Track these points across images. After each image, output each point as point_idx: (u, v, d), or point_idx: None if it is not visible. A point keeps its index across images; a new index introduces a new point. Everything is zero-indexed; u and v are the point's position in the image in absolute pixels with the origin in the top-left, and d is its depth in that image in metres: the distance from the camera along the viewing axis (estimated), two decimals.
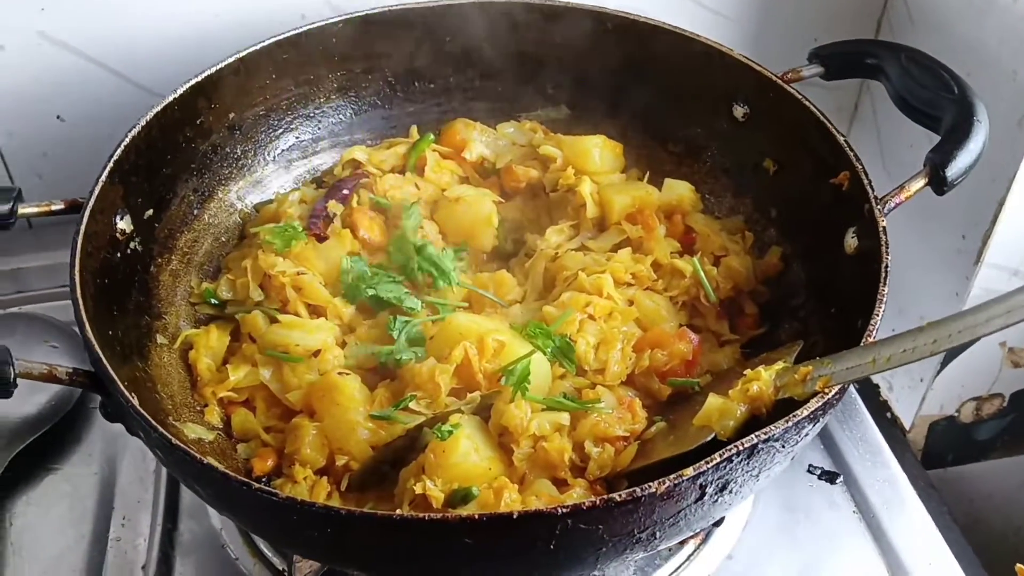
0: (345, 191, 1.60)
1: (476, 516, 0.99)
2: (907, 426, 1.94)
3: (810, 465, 1.54)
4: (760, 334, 1.49)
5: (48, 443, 1.56)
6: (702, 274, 1.48)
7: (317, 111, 1.71)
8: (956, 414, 1.96)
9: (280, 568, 1.39)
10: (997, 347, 1.86)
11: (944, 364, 1.85)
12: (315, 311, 1.46)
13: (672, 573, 1.39)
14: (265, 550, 1.42)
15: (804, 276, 1.48)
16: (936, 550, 1.44)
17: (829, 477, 1.52)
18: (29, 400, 1.57)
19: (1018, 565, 1.59)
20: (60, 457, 1.56)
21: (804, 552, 1.43)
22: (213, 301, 1.51)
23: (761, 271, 1.52)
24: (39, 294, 1.83)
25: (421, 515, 0.99)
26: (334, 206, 1.57)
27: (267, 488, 1.02)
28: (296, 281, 1.46)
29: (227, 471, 1.04)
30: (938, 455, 2.00)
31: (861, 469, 1.53)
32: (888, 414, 1.95)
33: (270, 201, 1.66)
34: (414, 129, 1.72)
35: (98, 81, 1.77)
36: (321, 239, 1.53)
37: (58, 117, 1.80)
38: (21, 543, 1.45)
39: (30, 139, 1.82)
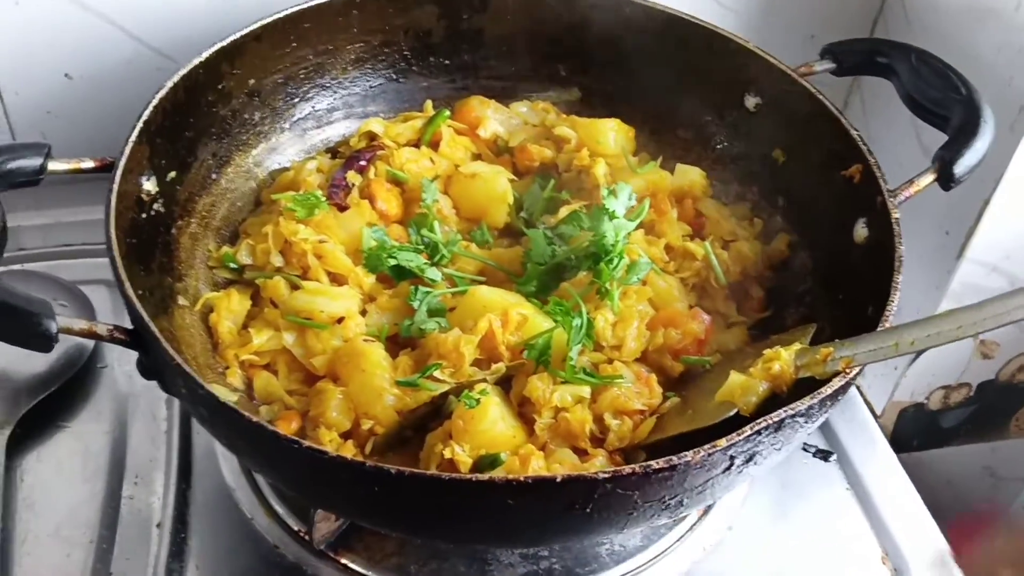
0: (363, 162, 1.62)
1: (522, 478, 1.03)
2: (878, 412, 2.02)
3: (805, 444, 1.60)
4: (766, 317, 1.54)
5: (58, 401, 1.55)
6: (713, 258, 1.53)
7: (333, 81, 1.72)
8: (925, 401, 2.05)
9: (295, 528, 1.42)
10: (969, 339, 1.94)
11: (919, 354, 1.93)
12: (335, 279, 1.48)
13: (676, 542, 1.45)
14: (279, 509, 1.44)
15: (811, 263, 1.54)
16: (926, 529, 1.52)
17: (823, 455, 1.59)
18: (39, 358, 1.55)
19: None
20: (70, 415, 1.56)
21: (800, 526, 1.50)
22: (232, 265, 1.52)
23: (768, 257, 1.58)
24: (35, 253, 1.82)
25: (469, 476, 1.03)
26: (353, 176, 1.59)
27: (317, 447, 1.05)
28: (318, 249, 1.47)
29: (277, 430, 1.06)
30: (905, 440, 2.08)
31: (854, 448, 1.60)
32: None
33: (287, 169, 1.67)
34: (429, 104, 1.74)
35: (110, 41, 1.75)
36: (342, 208, 1.55)
37: (66, 75, 1.79)
38: (33, 498, 1.45)
39: (36, 96, 1.80)
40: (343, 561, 1.39)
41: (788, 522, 1.50)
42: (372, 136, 1.67)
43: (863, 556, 1.47)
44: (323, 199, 1.52)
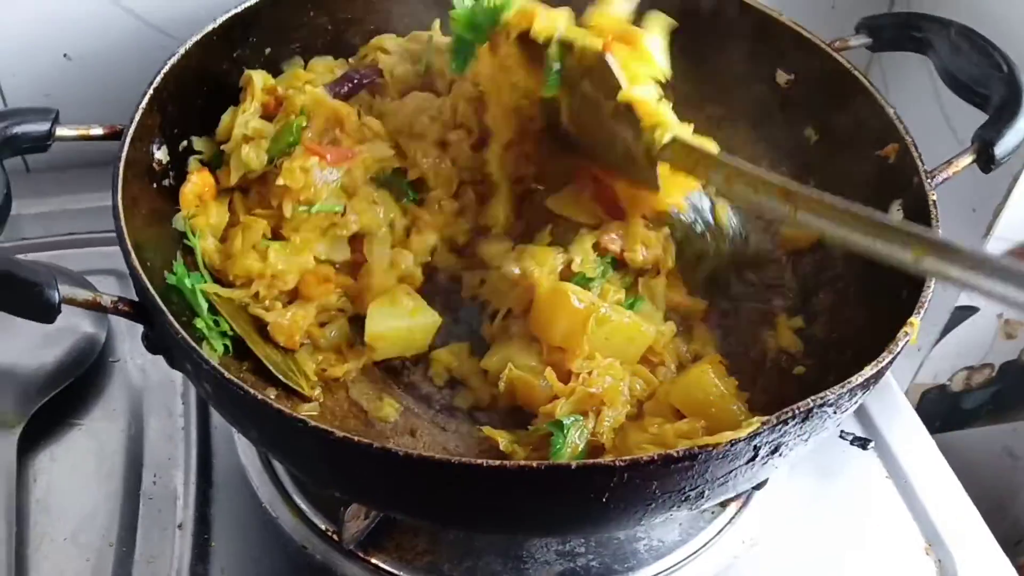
0: (353, 82, 1.51)
1: (534, 465, 0.99)
2: None
3: (842, 431, 1.56)
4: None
5: (70, 398, 1.50)
6: None
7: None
8: (948, 383, 2.02)
9: (323, 527, 1.37)
10: (994, 319, 1.91)
11: (943, 334, 1.90)
12: None
13: (716, 535, 1.41)
14: (304, 507, 1.39)
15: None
16: (970, 519, 1.48)
17: (861, 443, 1.55)
18: (47, 353, 1.50)
19: None
20: (83, 412, 1.50)
21: (841, 517, 1.46)
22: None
23: (796, 240, 1.53)
24: (38, 242, 1.75)
25: (480, 461, 0.98)
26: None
27: (325, 427, 0.99)
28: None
29: (283, 408, 1.01)
30: (926, 422, 2.05)
31: (891, 435, 1.56)
32: None
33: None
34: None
35: (110, 20, 1.70)
36: None
37: (65, 56, 1.72)
38: (48, 501, 1.39)
39: (34, 78, 1.74)
40: (374, 561, 1.34)
41: (828, 513, 1.46)
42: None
43: (906, 547, 1.43)
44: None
